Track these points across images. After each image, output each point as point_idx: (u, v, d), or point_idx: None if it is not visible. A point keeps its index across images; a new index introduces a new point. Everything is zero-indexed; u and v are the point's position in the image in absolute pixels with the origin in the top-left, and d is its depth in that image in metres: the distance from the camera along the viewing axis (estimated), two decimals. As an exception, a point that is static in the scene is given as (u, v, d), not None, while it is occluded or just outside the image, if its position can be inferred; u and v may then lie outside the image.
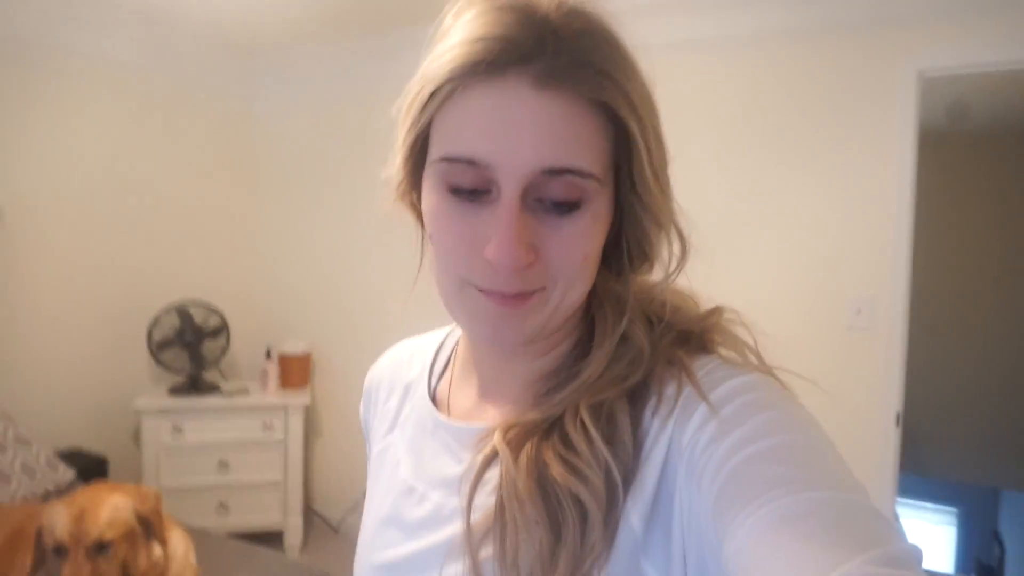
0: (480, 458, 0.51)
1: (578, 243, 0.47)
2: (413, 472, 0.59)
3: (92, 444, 2.94)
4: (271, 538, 3.11)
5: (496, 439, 0.50)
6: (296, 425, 3.22)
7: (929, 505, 5.14)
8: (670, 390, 0.49)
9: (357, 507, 3.35)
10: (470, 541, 0.49)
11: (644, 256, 0.54)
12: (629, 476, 0.47)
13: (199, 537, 1.82)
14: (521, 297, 0.48)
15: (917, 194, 2.32)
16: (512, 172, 0.44)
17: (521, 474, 0.47)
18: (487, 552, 0.48)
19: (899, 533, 0.36)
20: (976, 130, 4.07)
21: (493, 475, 0.51)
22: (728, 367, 0.50)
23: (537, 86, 0.44)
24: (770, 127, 2.46)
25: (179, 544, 1.62)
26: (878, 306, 2.32)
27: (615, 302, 0.54)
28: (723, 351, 0.52)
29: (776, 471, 0.39)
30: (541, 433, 0.49)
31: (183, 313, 3.19)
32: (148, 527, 1.48)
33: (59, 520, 1.36)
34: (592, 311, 0.56)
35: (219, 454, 3.10)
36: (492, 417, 0.56)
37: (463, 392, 0.61)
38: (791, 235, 2.44)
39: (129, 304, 3.22)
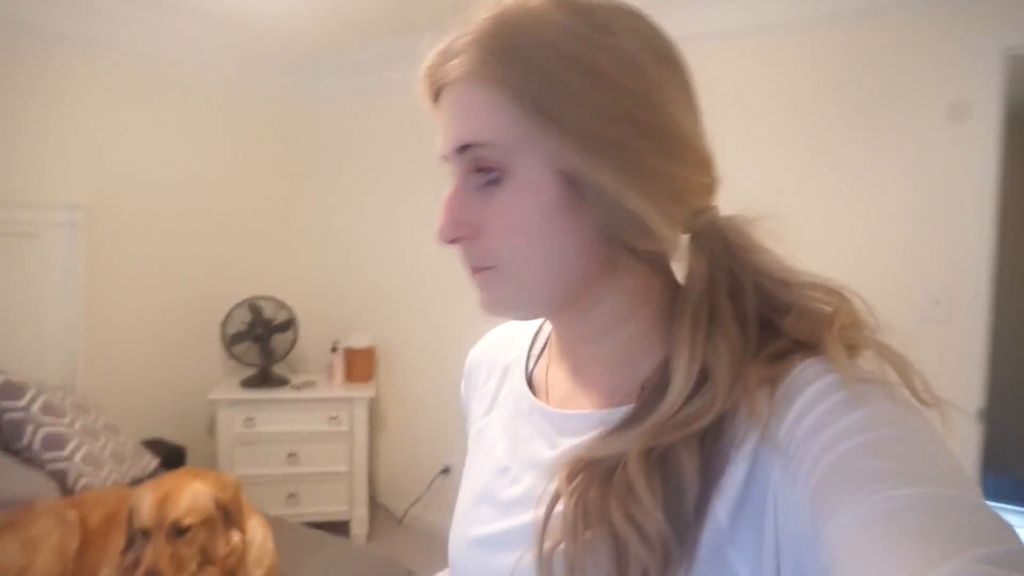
0: (547, 501, 0.51)
1: (503, 213, 0.49)
2: (508, 453, 0.61)
3: (171, 434, 3.08)
4: (338, 528, 3.19)
5: (559, 481, 0.50)
6: (361, 417, 3.29)
7: (1014, 508, 4.88)
8: (761, 397, 0.46)
9: (421, 499, 3.41)
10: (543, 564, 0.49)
11: (637, 234, 0.49)
12: (705, 496, 0.46)
13: (273, 524, 1.88)
14: (477, 271, 0.52)
15: (1005, 179, 2.20)
16: (450, 158, 0.52)
17: (581, 519, 0.47)
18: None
19: (1010, 531, 0.34)
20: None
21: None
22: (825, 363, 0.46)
23: (449, 85, 0.51)
24: (845, 109, 2.38)
25: (258, 531, 1.68)
26: (958, 296, 2.22)
27: (700, 310, 0.49)
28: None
29: (878, 464, 0.38)
30: (603, 475, 0.48)
31: (254, 308, 3.30)
32: (227, 514, 1.54)
33: (144, 504, 1.43)
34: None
35: (288, 445, 3.20)
36: (585, 404, 0.56)
37: (558, 376, 0.61)
38: (866, 222, 2.36)
39: (203, 300, 3.36)
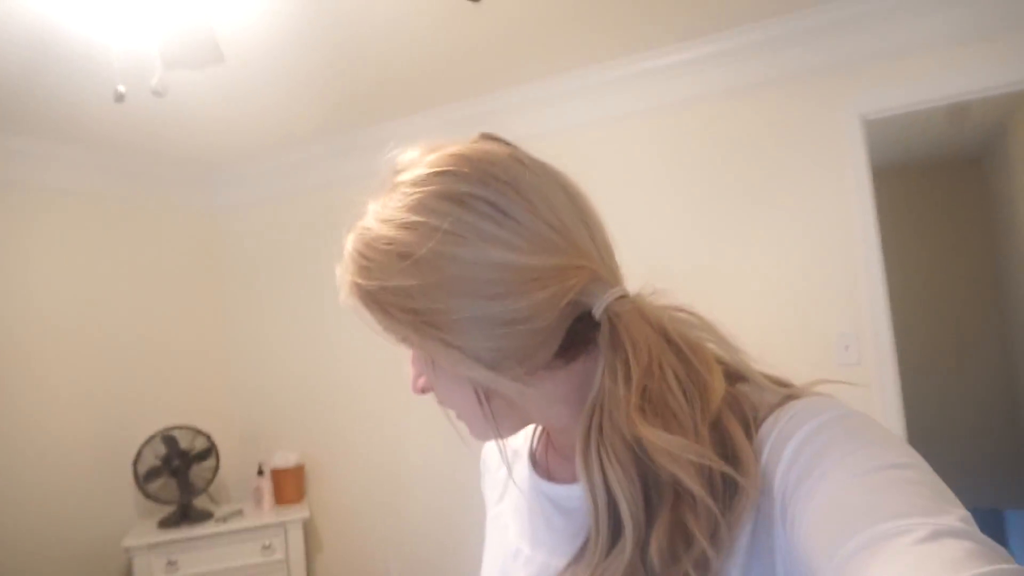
0: None
1: (418, 378, 0.59)
2: (519, 534, 0.63)
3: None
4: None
5: None
6: (296, 541, 3.08)
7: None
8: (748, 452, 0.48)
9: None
10: None
11: (506, 363, 0.52)
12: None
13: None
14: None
15: (880, 228, 2.44)
16: None
17: None
18: None
19: (995, 554, 0.35)
20: (920, 163, 4.35)
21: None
22: (810, 406, 0.49)
23: None
24: (737, 178, 2.59)
25: None
26: (863, 338, 2.39)
27: (590, 432, 0.51)
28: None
29: (858, 503, 0.40)
30: None
31: (168, 440, 3.08)
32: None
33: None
34: None
35: (220, 585, 2.94)
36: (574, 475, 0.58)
37: (553, 452, 0.64)
38: (768, 280, 2.53)
39: (110, 436, 3.12)
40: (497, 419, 0.56)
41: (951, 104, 2.32)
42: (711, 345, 0.53)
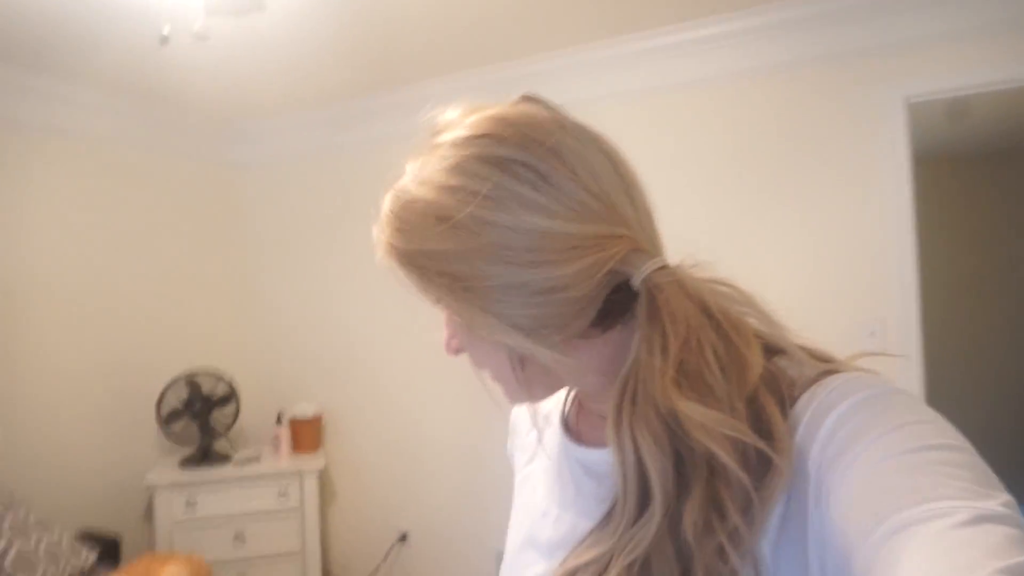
0: None
1: (449, 337, 0.59)
2: (547, 495, 0.64)
3: (105, 523, 2.86)
4: (292, 610, 3.01)
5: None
6: (311, 490, 3.16)
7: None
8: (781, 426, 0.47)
9: (378, 570, 3.28)
10: None
11: (543, 331, 0.52)
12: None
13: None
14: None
15: (917, 215, 2.39)
16: None
17: None
18: None
19: None
20: (962, 151, 4.24)
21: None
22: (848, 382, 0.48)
23: None
24: (762, 160, 2.54)
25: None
26: (888, 325, 2.36)
27: (621, 405, 0.51)
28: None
29: (897, 483, 0.39)
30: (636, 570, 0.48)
31: (191, 383, 3.15)
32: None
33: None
34: None
35: (234, 526, 3.02)
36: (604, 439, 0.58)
37: (585, 416, 0.65)
38: (798, 264, 2.50)
39: (136, 378, 3.19)
40: (530, 384, 0.57)
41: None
42: (751, 319, 0.52)
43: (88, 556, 2.35)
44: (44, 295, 2.89)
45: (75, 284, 3.02)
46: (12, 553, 2.10)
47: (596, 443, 0.61)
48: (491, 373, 0.58)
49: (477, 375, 0.60)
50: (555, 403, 0.70)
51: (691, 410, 0.46)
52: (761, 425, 0.46)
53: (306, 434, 3.33)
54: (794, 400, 0.48)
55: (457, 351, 0.59)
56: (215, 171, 3.64)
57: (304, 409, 3.34)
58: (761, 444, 0.45)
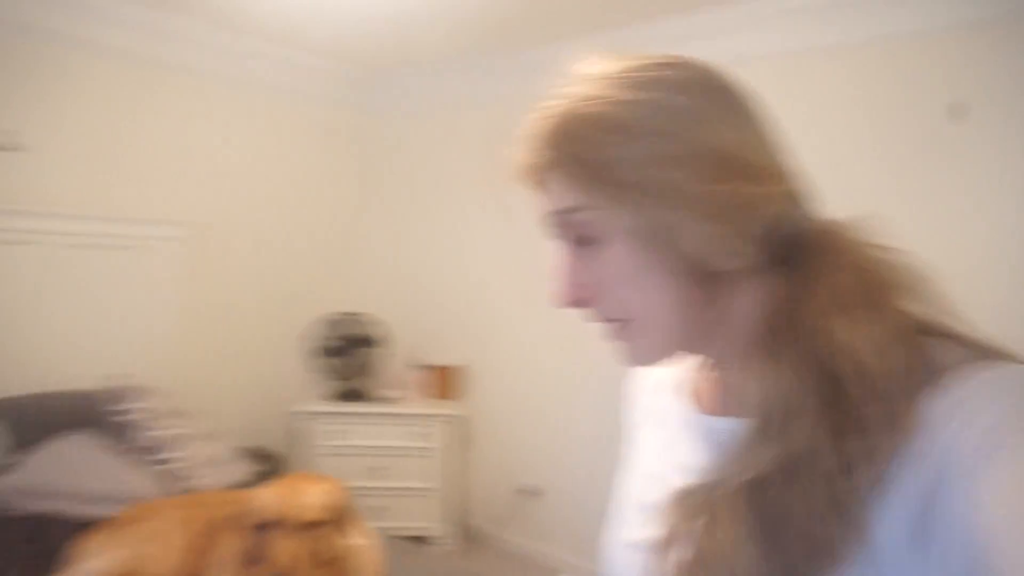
0: (684, 519, 0.52)
1: (607, 271, 0.53)
2: (659, 459, 0.65)
3: (262, 442, 3.12)
4: (424, 543, 3.16)
5: (702, 497, 0.51)
6: (449, 435, 3.28)
7: None
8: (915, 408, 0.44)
9: (508, 521, 3.36)
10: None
11: (721, 257, 0.51)
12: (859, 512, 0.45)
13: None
14: (613, 326, 0.56)
15: None
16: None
17: (726, 532, 0.48)
18: None
19: None
20: None
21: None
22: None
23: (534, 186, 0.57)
24: (929, 128, 2.28)
25: (368, 537, 1.68)
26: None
27: (773, 331, 0.51)
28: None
29: None
30: (747, 490, 0.48)
31: (345, 324, 3.35)
32: (342, 517, 1.54)
33: (269, 500, 1.45)
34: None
35: (375, 459, 3.21)
36: (729, 410, 0.57)
37: (709, 386, 0.63)
38: (975, 236, 2.23)
39: (295, 314, 3.44)
40: (672, 331, 0.54)
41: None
42: (908, 289, 0.50)
43: (246, 468, 2.59)
44: (219, 231, 3.19)
45: (247, 221, 3.31)
46: (186, 456, 2.35)
47: (715, 411, 0.60)
48: (634, 315, 0.54)
49: (607, 330, 0.57)
50: (673, 372, 0.69)
51: (841, 327, 0.47)
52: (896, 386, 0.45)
53: (448, 382, 3.46)
54: (936, 383, 0.44)
55: (578, 302, 0.55)
56: (380, 121, 3.81)
57: (447, 357, 3.47)
58: (897, 390, 0.44)
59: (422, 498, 3.25)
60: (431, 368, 3.47)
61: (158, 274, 2.92)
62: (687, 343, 0.57)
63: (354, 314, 3.41)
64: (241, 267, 3.29)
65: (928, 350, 0.46)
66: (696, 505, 0.50)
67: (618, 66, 0.54)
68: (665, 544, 0.52)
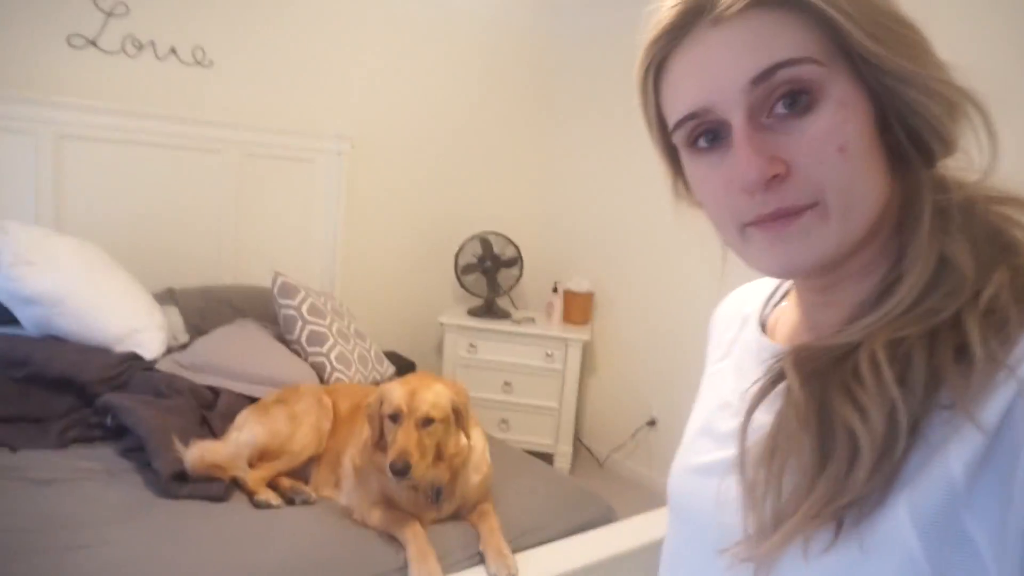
0: (768, 377, 0.52)
1: (828, 135, 0.45)
2: (732, 389, 0.63)
3: (403, 349, 3.39)
4: (542, 459, 3.32)
5: (786, 360, 0.50)
6: (574, 358, 3.38)
7: None
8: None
9: (624, 447, 3.45)
10: (742, 460, 0.51)
11: (934, 139, 0.47)
12: (920, 421, 0.43)
13: (488, 439, 2.02)
14: (788, 215, 0.47)
15: None
16: (726, 100, 0.47)
17: (802, 399, 0.47)
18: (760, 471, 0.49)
19: None
20: None
21: (779, 393, 0.51)
22: None
23: (714, 25, 0.47)
24: None
25: (479, 440, 1.81)
26: None
27: (933, 214, 0.47)
28: None
29: None
30: (832, 360, 0.47)
31: (485, 242, 3.49)
32: (459, 418, 1.68)
33: (397, 394, 1.60)
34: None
35: (505, 375, 3.38)
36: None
37: (792, 319, 0.61)
38: None
39: (440, 230, 3.64)
40: (869, 217, 0.48)
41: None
42: None
43: (388, 368, 2.83)
44: (380, 146, 3.39)
45: (405, 139, 3.49)
46: (336, 350, 2.61)
47: (789, 342, 0.59)
48: (837, 197, 0.47)
49: (791, 203, 0.47)
50: (758, 304, 0.68)
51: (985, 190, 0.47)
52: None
53: (577, 307, 3.53)
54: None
55: (769, 178, 0.46)
56: (535, 43, 3.82)
57: (579, 283, 3.53)
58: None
59: (545, 416, 3.41)
60: (565, 292, 3.55)
61: (323, 185, 3.18)
62: (865, 237, 0.49)
63: (497, 234, 3.53)
64: (398, 182, 3.51)
65: None
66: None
67: None
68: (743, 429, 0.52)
